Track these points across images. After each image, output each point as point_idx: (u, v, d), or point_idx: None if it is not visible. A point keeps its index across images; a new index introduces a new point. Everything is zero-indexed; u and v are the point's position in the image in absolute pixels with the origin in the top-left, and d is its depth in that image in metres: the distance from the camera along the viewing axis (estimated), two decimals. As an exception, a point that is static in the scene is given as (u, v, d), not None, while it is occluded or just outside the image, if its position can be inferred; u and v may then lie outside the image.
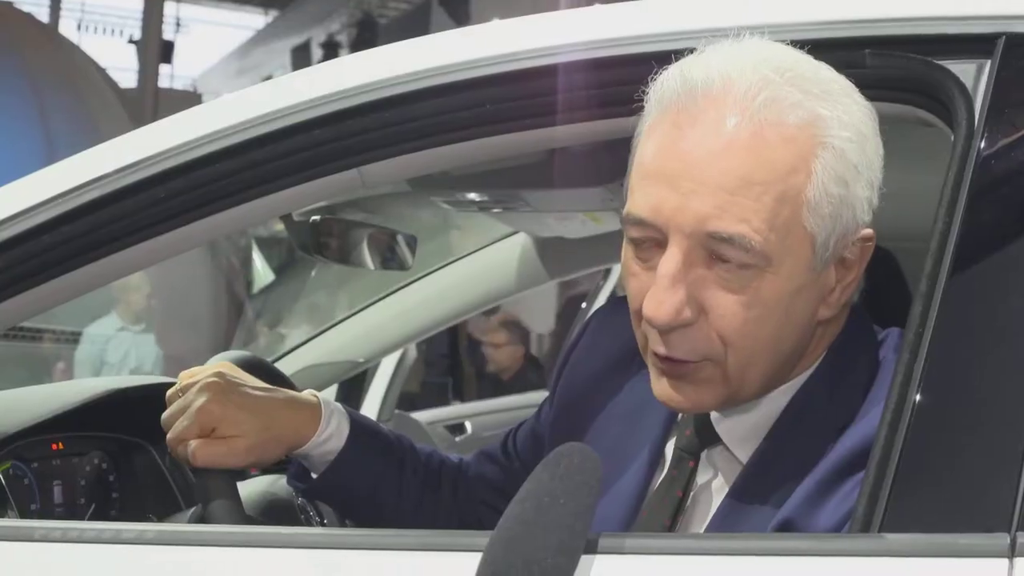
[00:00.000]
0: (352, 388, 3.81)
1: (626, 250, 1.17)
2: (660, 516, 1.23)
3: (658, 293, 1.11)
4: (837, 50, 1.16)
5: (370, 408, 3.83)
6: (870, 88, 1.15)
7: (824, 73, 1.13)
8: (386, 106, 1.26)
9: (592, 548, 0.97)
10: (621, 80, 1.22)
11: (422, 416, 4.07)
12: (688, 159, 1.10)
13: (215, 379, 1.38)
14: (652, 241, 1.13)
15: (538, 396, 4.28)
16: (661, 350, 1.15)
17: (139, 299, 6.75)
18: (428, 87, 1.25)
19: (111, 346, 6.81)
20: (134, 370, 6.64)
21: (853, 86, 1.14)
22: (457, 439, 4.00)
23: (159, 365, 6.70)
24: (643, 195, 1.13)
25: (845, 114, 1.11)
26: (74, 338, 7.07)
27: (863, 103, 1.14)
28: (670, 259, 1.11)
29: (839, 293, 1.18)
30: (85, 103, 9.44)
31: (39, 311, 1.35)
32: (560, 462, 0.97)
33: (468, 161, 1.49)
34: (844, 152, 1.11)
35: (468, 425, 4.13)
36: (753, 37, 1.14)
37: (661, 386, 1.19)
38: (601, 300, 4.40)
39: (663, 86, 1.14)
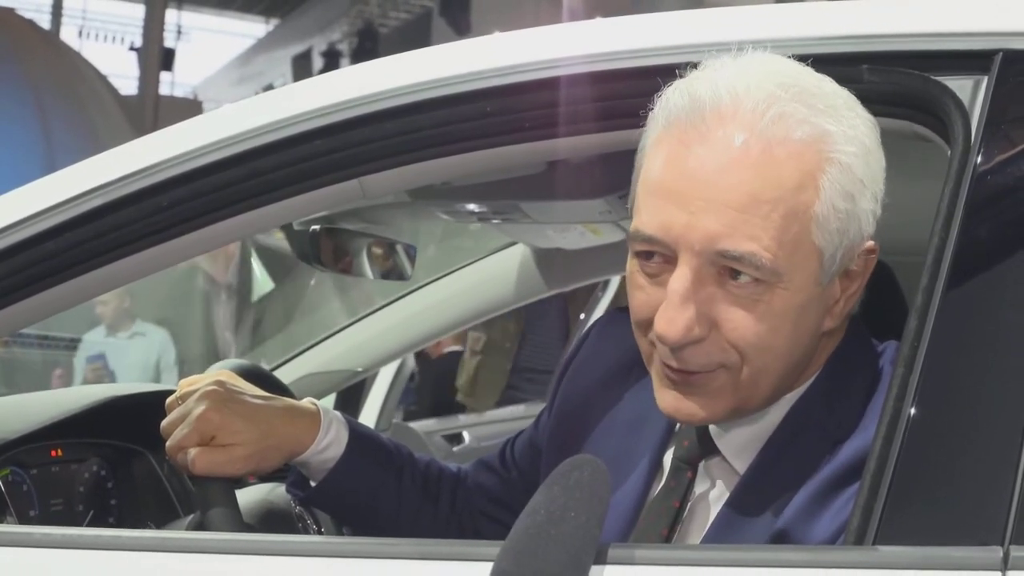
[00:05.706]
0: (350, 398, 3.81)
1: (632, 263, 1.17)
2: (657, 526, 1.24)
3: (669, 311, 1.11)
4: (835, 65, 1.16)
5: (368, 417, 3.83)
6: (868, 103, 1.15)
7: (827, 87, 1.13)
8: (387, 117, 1.26)
9: (602, 559, 0.97)
10: (622, 93, 1.22)
11: (420, 426, 4.07)
12: (697, 177, 1.10)
13: (214, 387, 1.39)
14: (660, 256, 1.13)
15: (537, 408, 4.29)
16: (673, 364, 1.15)
17: (116, 307, 6.73)
18: (429, 99, 1.26)
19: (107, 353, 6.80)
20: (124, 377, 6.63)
21: (855, 99, 1.14)
22: (455, 449, 4.00)
23: (148, 374, 6.69)
24: (651, 213, 1.12)
25: (850, 128, 1.12)
26: (72, 345, 7.06)
27: (866, 116, 1.14)
28: (680, 277, 1.11)
29: (843, 304, 1.18)
30: (86, 109, 9.46)
31: (40, 318, 1.36)
32: (571, 475, 0.97)
33: (468, 172, 1.49)
34: (851, 167, 1.11)
35: (466, 435, 4.13)
36: (755, 51, 1.14)
37: (668, 398, 1.18)
38: (599, 311, 4.40)
39: (668, 102, 1.14)
